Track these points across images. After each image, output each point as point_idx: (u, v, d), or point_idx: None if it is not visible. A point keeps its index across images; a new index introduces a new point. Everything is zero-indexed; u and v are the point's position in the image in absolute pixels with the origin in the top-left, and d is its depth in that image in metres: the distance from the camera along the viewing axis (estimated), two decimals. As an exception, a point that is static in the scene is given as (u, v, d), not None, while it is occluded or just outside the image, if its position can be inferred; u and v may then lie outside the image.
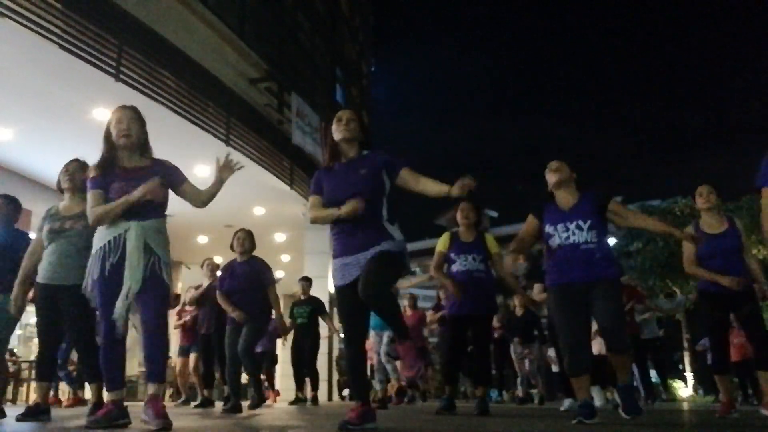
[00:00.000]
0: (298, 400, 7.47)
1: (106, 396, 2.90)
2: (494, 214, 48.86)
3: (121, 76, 6.57)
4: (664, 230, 3.89)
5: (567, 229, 3.43)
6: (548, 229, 3.50)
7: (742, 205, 17.15)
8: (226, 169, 3.06)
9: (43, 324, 3.73)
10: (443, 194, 2.74)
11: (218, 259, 7.18)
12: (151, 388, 2.82)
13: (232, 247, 5.46)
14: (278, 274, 7.71)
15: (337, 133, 2.96)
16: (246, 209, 10.73)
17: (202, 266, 6.87)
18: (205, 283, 6.65)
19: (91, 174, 2.92)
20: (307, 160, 10.51)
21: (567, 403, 5.71)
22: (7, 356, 8.29)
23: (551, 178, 3.58)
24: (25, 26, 5.61)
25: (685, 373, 19.04)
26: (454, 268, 4.80)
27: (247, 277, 5.26)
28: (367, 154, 2.95)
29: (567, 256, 3.41)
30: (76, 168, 3.88)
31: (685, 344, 19.90)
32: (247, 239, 5.39)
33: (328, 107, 13.52)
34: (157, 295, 2.82)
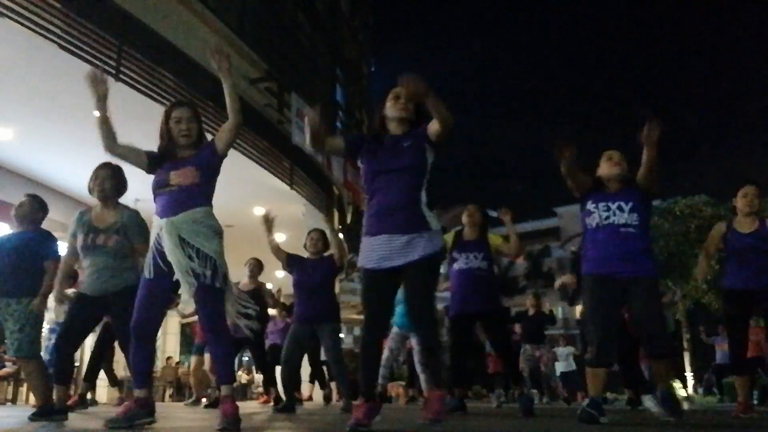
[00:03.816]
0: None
1: (136, 393, 2.92)
2: (494, 214, 48.86)
3: (121, 76, 6.56)
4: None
5: (608, 209, 3.38)
6: (589, 206, 3.45)
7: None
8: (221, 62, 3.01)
9: (70, 329, 3.67)
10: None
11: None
12: (222, 390, 2.83)
13: (305, 246, 5.39)
14: (278, 273, 7.67)
15: (392, 110, 2.86)
16: (246, 209, 10.70)
17: (245, 265, 6.77)
18: (246, 282, 6.62)
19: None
20: (307, 160, 10.50)
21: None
22: (7, 356, 8.35)
23: (611, 169, 3.49)
24: (25, 26, 5.59)
25: (685, 373, 19.02)
26: (456, 266, 4.78)
27: (321, 275, 5.13)
28: (413, 130, 2.86)
29: (606, 240, 3.34)
30: (107, 175, 3.71)
31: (685, 344, 19.89)
32: (320, 240, 5.27)
33: (328, 107, 13.51)
34: (206, 294, 2.79)
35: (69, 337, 3.69)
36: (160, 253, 2.82)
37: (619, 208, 3.36)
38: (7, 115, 7.15)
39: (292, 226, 12.17)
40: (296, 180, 10.18)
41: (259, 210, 11.10)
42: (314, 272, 5.14)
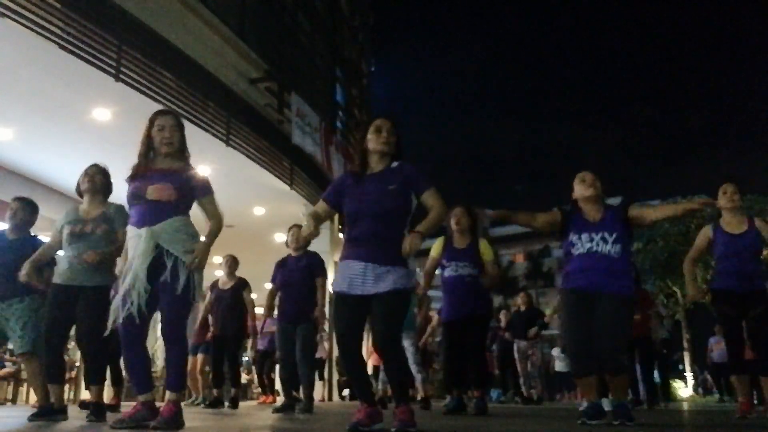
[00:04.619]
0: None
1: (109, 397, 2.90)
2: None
3: (121, 76, 6.56)
4: (685, 208, 3.62)
5: (591, 240, 3.33)
6: (572, 237, 3.40)
7: (742, 205, 17.14)
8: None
9: (53, 325, 3.66)
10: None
11: (218, 259, 7.16)
12: (167, 395, 2.84)
13: (287, 243, 5.41)
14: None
15: (374, 144, 2.82)
16: (246, 209, 10.72)
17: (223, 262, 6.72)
18: (225, 279, 6.60)
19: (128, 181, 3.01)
20: (307, 160, 10.50)
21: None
22: (7, 356, 8.35)
23: (585, 191, 3.45)
24: (25, 26, 5.59)
25: (685, 373, 19.02)
26: (446, 273, 4.79)
27: (301, 271, 5.14)
28: (396, 166, 2.82)
29: (586, 262, 3.32)
30: (96, 171, 3.84)
31: (685, 344, 19.89)
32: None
33: (328, 107, 13.50)
34: (169, 300, 2.80)
35: (54, 331, 3.66)
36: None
37: (603, 239, 3.32)
38: (7, 115, 7.15)
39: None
40: (296, 180, 10.18)
41: (259, 210, 11.15)
42: (295, 269, 5.17)
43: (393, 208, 2.71)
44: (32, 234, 4.19)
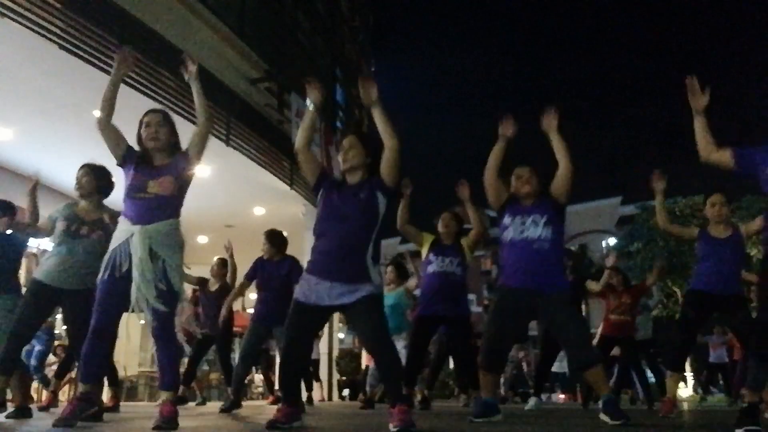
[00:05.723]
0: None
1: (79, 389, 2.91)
2: (494, 214, 48.89)
3: (121, 76, 6.56)
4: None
5: (523, 223, 3.40)
6: (506, 220, 3.48)
7: (742, 205, 17.16)
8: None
9: (25, 319, 3.62)
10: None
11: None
12: (162, 395, 2.86)
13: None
14: None
15: (342, 164, 3.00)
16: (246, 209, 10.74)
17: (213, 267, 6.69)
18: (212, 281, 6.61)
19: None
20: (307, 160, 10.49)
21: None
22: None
23: (521, 188, 3.52)
24: (25, 26, 5.60)
25: (684, 373, 19.04)
26: (430, 269, 4.87)
27: (281, 279, 5.09)
28: (367, 179, 2.95)
29: (520, 255, 3.38)
30: (83, 173, 3.81)
31: (685, 344, 19.86)
32: (267, 243, 5.22)
33: (328, 107, 13.51)
34: (162, 301, 2.81)
35: (21, 326, 3.62)
36: (123, 257, 2.83)
37: (534, 222, 3.38)
38: (7, 115, 7.16)
39: (292, 226, 12.17)
40: (296, 180, 10.18)
41: (259, 210, 11.15)
42: (275, 276, 5.12)
43: (359, 214, 2.82)
44: (11, 234, 4.19)
